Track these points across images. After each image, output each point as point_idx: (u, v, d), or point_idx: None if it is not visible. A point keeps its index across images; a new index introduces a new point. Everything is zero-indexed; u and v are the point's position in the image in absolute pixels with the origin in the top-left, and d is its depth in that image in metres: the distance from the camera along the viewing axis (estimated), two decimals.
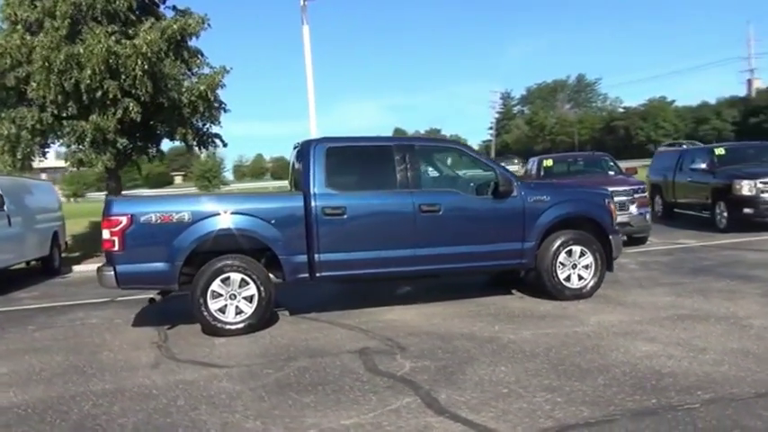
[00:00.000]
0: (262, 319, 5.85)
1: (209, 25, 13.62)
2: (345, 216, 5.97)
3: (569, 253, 6.61)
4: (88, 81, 11.90)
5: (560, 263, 6.59)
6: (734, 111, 60.52)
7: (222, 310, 5.76)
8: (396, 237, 6.15)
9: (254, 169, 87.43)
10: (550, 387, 4.02)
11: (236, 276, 5.76)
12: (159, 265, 5.66)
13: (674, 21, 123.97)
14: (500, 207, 6.40)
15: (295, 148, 7.32)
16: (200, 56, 14.22)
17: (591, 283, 6.67)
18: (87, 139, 12.67)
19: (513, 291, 7.22)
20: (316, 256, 5.95)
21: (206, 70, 14.03)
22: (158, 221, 5.63)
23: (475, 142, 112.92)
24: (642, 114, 70.14)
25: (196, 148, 15.59)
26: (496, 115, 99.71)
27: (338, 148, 6.26)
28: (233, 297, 5.78)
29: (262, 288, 5.80)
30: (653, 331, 5.23)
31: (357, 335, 5.62)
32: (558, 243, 6.55)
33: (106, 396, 4.26)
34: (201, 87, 13.24)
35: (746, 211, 11.49)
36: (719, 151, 13.09)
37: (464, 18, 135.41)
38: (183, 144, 15.28)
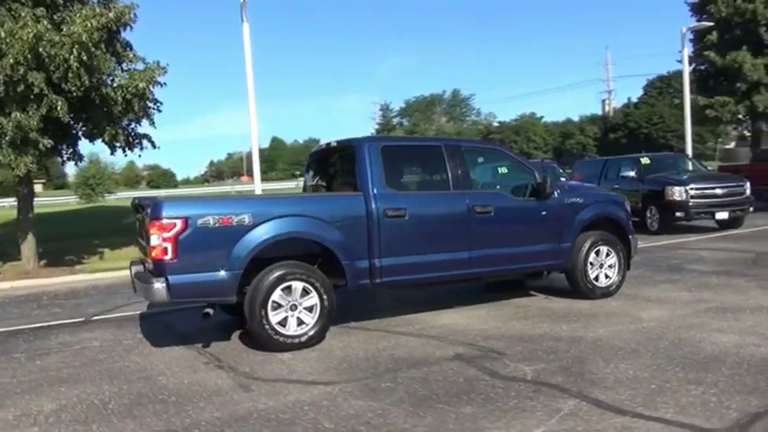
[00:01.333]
0: (323, 331, 5.40)
1: (135, 15, 12.48)
2: (406, 217, 5.70)
3: (597, 253, 6.83)
4: (9, 72, 10.39)
5: (590, 263, 6.78)
6: (595, 127, 66.68)
7: (282, 322, 5.23)
8: (453, 239, 5.98)
9: (128, 178, 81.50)
10: (690, 380, 4.09)
11: (297, 285, 5.26)
12: (218, 275, 5.01)
13: (541, 44, 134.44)
14: (542, 208, 6.46)
15: (315, 152, 6.93)
16: (131, 49, 12.99)
17: (617, 282, 6.93)
18: (6, 139, 11.02)
19: (531, 291, 7.34)
20: (376, 260, 5.60)
21: (139, 66, 12.86)
22: (216, 225, 5.00)
23: None
24: (515, 129, 75.05)
25: (120, 151, 14.18)
26: (376, 126, 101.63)
27: (392, 147, 5.97)
28: (293, 308, 5.27)
29: (324, 297, 5.35)
30: (713, 324, 5.50)
31: (430, 342, 5.36)
32: (588, 243, 6.73)
33: (230, 425, 3.67)
34: (141, 84, 12.07)
35: (678, 214, 12.65)
36: (645, 161, 14.28)
37: (337, 30, 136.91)
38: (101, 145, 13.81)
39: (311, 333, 5.30)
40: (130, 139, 13.66)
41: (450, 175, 6.06)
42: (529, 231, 6.41)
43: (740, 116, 22.36)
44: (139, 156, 14.72)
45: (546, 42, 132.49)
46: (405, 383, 4.28)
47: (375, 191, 5.62)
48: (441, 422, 3.59)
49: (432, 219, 5.89)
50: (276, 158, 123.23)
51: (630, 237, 7.10)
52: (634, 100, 64.98)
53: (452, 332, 5.65)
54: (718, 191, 12.61)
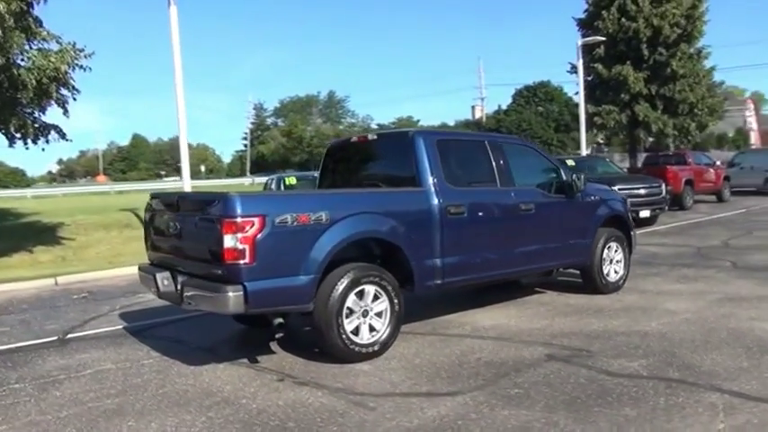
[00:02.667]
0: (393, 338, 4.99)
1: None
2: (465, 214, 5.46)
3: (608, 249, 7.05)
4: None
5: (604, 259, 6.99)
6: (470, 131, 70.04)
7: (355, 330, 4.76)
8: (504, 236, 5.85)
9: None
10: None
11: (369, 289, 4.82)
12: (297, 280, 4.42)
13: (416, 49, 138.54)
14: (571, 205, 6.54)
15: (341, 146, 6.48)
16: (41, 26, 11.31)
17: (624, 277, 7.21)
18: None
19: (536, 289, 7.43)
20: (438, 260, 5.30)
21: (53, 46, 11.24)
22: (294, 224, 4.41)
23: (226, 152, 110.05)
24: None
25: (20, 142, 12.31)
26: (250, 126, 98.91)
27: (444, 141, 5.68)
28: (365, 314, 4.82)
29: (395, 301, 4.95)
30: (742, 313, 5.85)
31: (502, 344, 5.16)
32: (603, 240, 6.93)
33: None
34: (62, 66, 10.55)
35: None
36: (571, 163, 15.14)
37: (201, 27, 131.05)
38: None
39: (382, 340, 4.89)
40: (38, 130, 12.00)
41: (496, 171, 5.91)
42: (562, 228, 6.45)
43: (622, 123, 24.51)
44: (43, 150, 12.65)
45: (420, 48, 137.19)
46: (532, 389, 4.06)
47: (437, 186, 5.31)
48: (617, 426, 3.42)
49: (487, 216, 5.70)
50: (138, 157, 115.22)
51: (633, 233, 7.42)
52: (504, 107, 69.03)
53: (510, 332, 5.51)
54: (642, 191, 13.69)
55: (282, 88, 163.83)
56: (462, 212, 5.42)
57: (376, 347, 4.82)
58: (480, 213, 5.61)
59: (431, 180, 5.31)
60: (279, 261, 4.33)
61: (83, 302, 8.16)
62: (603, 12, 24.01)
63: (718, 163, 21.06)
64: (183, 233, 4.72)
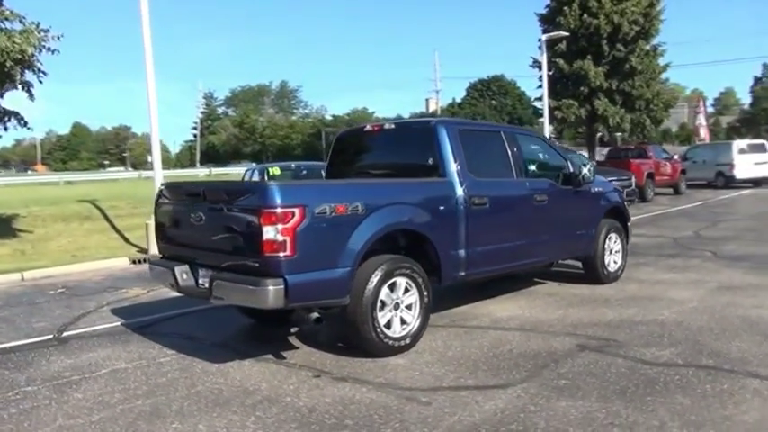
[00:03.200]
0: (422, 331, 4.92)
1: None
2: (487, 205, 5.42)
3: (609, 239, 7.17)
4: None
5: (605, 249, 7.11)
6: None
7: (387, 324, 4.66)
8: (522, 227, 5.86)
9: None
10: None
11: (401, 281, 4.72)
12: (335, 272, 4.28)
13: (373, 41, 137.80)
14: (579, 196, 6.60)
15: (353, 135, 6.33)
16: (3, 6, 10.61)
17: (622, 267, 7.36)
18: None
19: (535, 279, 7.50)
20: (462, 251, 5.25)
21: (16, 26, 10.55)
22: (332, 214, 4.26)
23: (175, 142, 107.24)
24: (348, 123, 76.18)
25: None
26: (200, 115, 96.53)
27: (465, 131, 5.61)
28: (396, 306, 4.72)
29: (425, 293, 4.87)
30: (743, 301, 6.05)
31: (529, 335, 5.16)
32: (605, 231, 7.04)
33: None
34: (29, 48, 9.92)
35: None
36: None
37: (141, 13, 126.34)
38: None
39: (413, 333, 4.80)
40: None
41: (512, 161, 5.90)
42: (571, 219, 6.51)
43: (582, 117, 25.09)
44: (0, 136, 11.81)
45: (374, 40, 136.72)
46: (578, 379, 4.06)
47: (461, 177, 5.25)
48: (677, 414, 3.46)
49: (507, 206, 5.70)
50: (79, 146, 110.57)
51: (629, 224, 7.57)
52: (458, 100, 69.70)
53: (530, 323, 5.53)
54: (615, 183, 14.01)
55: (233, 78, 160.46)
56: (485, 203, 5.38)
57: (408, 340, 4.74)
58: (501, 204, 5.59)
59: (455, 170, 5.25)
60: (318, 253, 4.19)
61: (63, 298, 7.73)
62: (565, 8, 24.47)
63: (675, 157, 21.86)
64: (209, 224, 4.48)
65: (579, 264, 7.25)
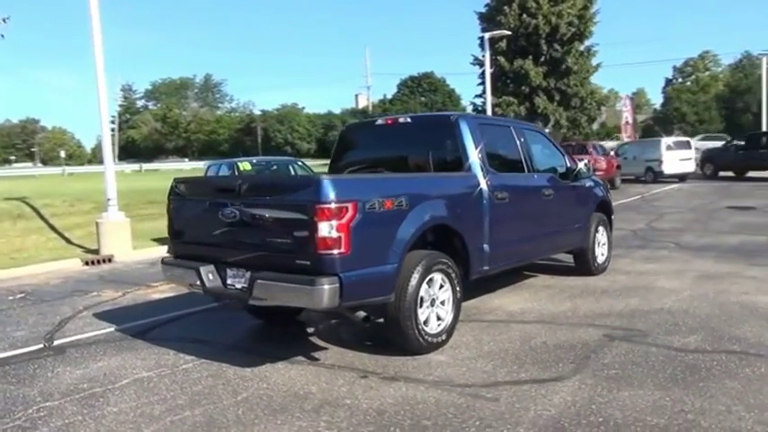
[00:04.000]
0: (455, 327, 4.88)
1: None
2: (507, 200, 5.45)
3: (598, 232, 7.41)
4: None
5: (595, 241, 7.34)
6: (356, 120, 70.36)
7: (425, 320, 4.59)
8: (533, 221, 5.93)
9: None
10: None
11: (437, 277, 4.66)
12: (384, 269, 4.16)
13: (302, 36, 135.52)
14: (577, 191, 6.77)
15: (364, 128, 6.19)
16: None
17: (608, 258, 7.63)
18: None
19: (525, 272, 7.65)
20: (486, 245, 5.26)
21: None
22: (380, 209, 4.13)
23: (89, 137, 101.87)
24: (278, 118, 74.98)
25: None
26: (118, 108, 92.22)
27: (483, 125, 5.61)
28: (432, 303, 4.66)
29: (458, 288, 4.84)
30: (732, 288, 6.42)
31: (545, 327, 5.24)
32: (595, 224, 7.27)
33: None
34: None
35: None
36: None
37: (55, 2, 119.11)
38: None
39: (448, 329, 4.76)
40: None
41: (522, 156, 5.96)
42: (570, 213, 6.67)
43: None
44: None
45: (304, 35, 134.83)
46: (625, 369, 4.15)
47: (485, 171, 5.25)
48: (737, 399, 3.60)
49: (523, 201, 5.75)
50: None
51: (613, 217, 7.86)
52: (389, 96, 70.11)
53: (547, 316, 5.62)
54: None
55: (154, 70, 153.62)
56: (506, 198, 5.41)
57: (443, 337, 4.69)
58: (518, 199, 5.64)
59: (479, 164, 5.23)
60: (368, 250, 4.05)
61: (28, 305, 7.14)
62: (506, 7, 25.10)
63: (611, 153, 22.96)
64: (245, 221, 4.23)
65: (559, 257, 7.42)
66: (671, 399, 3.62)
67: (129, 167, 43.62)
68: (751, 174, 24.19)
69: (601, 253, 7.49)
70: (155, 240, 12.31)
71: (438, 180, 5.01)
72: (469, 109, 33.74)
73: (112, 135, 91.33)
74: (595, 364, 4.27)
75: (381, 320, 4.55)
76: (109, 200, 11.49)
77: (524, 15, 24.65)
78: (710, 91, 57.53)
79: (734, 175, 24.56)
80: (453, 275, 4.77)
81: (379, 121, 6.01)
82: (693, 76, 62.94)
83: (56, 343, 5.37)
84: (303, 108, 78.85)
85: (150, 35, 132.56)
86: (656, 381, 3.91)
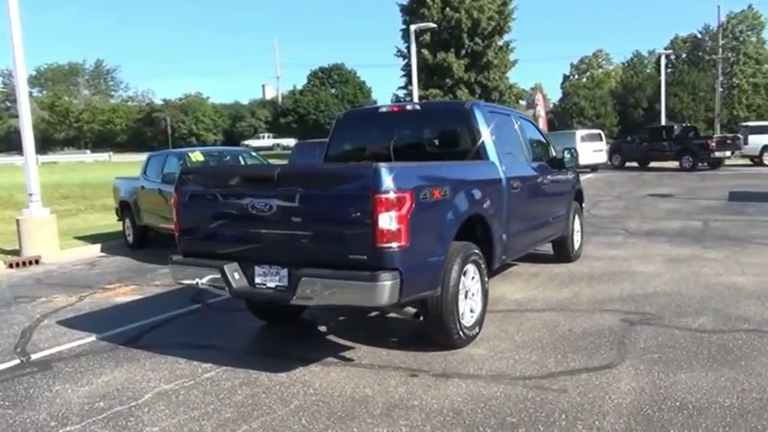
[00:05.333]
0: (484, 318, 4.78)
1: None
2: (519, 189, 5.42)
3: (574, 220, 7.61)
4: None
5: (573, 229, 7.53)
6: (266, 111, 68.63)
7: (462, 314, 4.46)
8: (537, 210, 5.96)
9: None
10: None
11: (470, 268, 4.53)
12: (434, 262, 3.96)
13: (205, 24, 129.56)
14: (564, 180, 6.89)
15: (367, 116, 5.95)
16: None
17: (581, 245, 7.86)
18: None
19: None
20: (505, 235, 5.20)
21: None
22: (430, 199, 3.93)
23: None
24: (182, 108, 71.48)
25: None
26: None
27: (493, 113, 5.52)
28: (466, 295, 4.54)
29: (486, 280, 4.75)
30: (708, 271, 6.78)
31: (561, 314, 5.27)
32: (573, 211, 7.46)
33: (648, 420, 3.13)
34: None
35: None
36: None
37: None
38: None
39: (479, 321, 4.66)
40: None
41: (523, 145, 5.96)
42: (558, 201, 6.77)
43: None
44: None
45: (207, 23, 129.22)
46: (663, 352, 4.24)
47: (501, 159, 5.18)
48: None
49: (530, 189, 5.75)
50: None
51: (583, 205, 8.10)
52: (299, 88, 68.90)
53: (554, 304, 5.66)
54: None
55: (37, 55, 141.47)
56: (518, 187, 5.38)
57: (476, 330, 4.59)
58: (527, 187, 5.63)
59: (495, 152, 5.15)
60: (423, 242, 3.85)
61: None
62: (428, 0, 25.32)
63: None
64: (284, 214, 3.87)
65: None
66: (727, 379, 3.72)
67: (21, 160, 39.75)
68: (653, 164, 26.11)
69: (577, 240, 7.69)
70: (79, 239, 11.32)
71: (470, 168, 4.87)
72: (390, 101, 33.84)
73: None
74: (634, 349, 4.33)
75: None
76: (31, 195, 10.38)
77: (447, 9, 25.04)
78: (604, 87, 61.46)
79: (638, 165, 26.38)
80: (483, 266, 4.67)
81: (384, 109, 5.77)
82: (589, 73, 67.00)
83: (34, 357, 4.71)
84: (208, 98, 75.65)
85: (32, 17, 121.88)
86: (700, 362, 4.02)
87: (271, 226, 3.96)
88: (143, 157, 11.75)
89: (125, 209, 10.57)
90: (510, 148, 5.67)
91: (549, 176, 6.42)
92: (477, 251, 4.57)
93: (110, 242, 10.72)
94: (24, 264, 9.44)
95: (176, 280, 4.49)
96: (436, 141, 5.47)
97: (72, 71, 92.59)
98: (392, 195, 3.58)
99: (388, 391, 3.73)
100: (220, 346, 4.78)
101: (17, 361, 4.64)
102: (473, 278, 4.59)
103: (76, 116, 77.66)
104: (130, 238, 10.42)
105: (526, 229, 5.73)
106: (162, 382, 4.02)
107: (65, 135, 79.37)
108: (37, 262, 9.58)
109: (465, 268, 4.42)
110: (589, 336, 4.65)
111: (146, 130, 71.98)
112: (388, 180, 3.58)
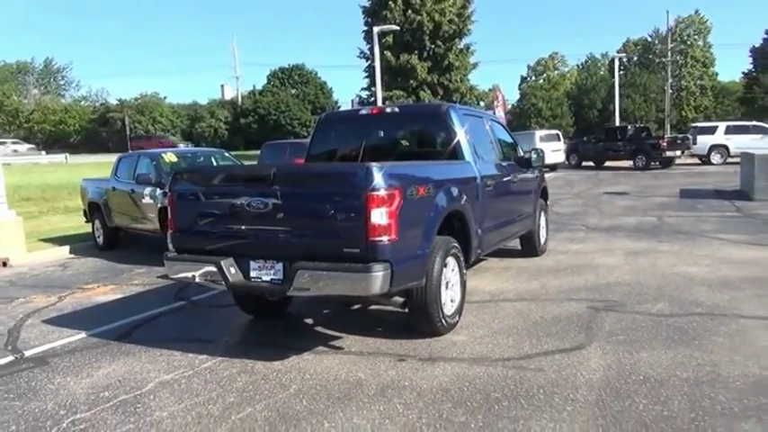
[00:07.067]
0: (462, 307, 5.11)
1: None
2: (491, 187, 5.78)
3: (540, 217, 8.04)
4: None
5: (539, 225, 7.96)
6: (225, 111, 67.86)
7: (443, 303, 4.78)
8: (505, 207, 6.32)
9: None
10: None
11: (450, 260, 4.86)
12: (420, 254, 4.27)
13: (161, 23, 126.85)
14: (532, 178, 7.30)
15: (348, 118, 6.21)
16: None
17: (546, 240, 8.30)
18: None
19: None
20: (479, 230, 5.54)
21: None
22: (416, 196, 4.24)
23: None
24: (138, 108, 70.06)
25: None
26: None
27: (467, 115, 5.86)
28: (447, 286, 4.86)
29: (464, 272, 5.08)
30: (659, 263, 7.30)
31: (532, 304, 5.64)
32: (539, 208, 7.89)
33: (610, 399, 3.51)
34: None
35: None
36: None
37: None
38: None
39: (459, 310, 4.99)
40: None
41: (494, 145, 6.33)
42: (527, 199, 7.18)
43: None
44: None
45: (163, 21, 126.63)
46: (627, 335, 4.63)
47: (475, 159, 5.53)
48: (730, 350, 4.20)
49: (501, 187, 6.10)
50: None
51: (548, 202, 8.54)
52: (259, 88, 68.42)
53: (526, 294, 6.04)
54: None
55: None
56: (491, 185, 5.73)
57: (457, 318, 4.91)
58: (498, 185, 5.99)
59: (470, 152, 5.50)
60: (409, 236, 4.15)
61: None
62: (390, 2, 25.69)
63: None
64: (279, 211, 4.11)
65: None
66: (684, 356, 4.14)
67: None
68: (608, 163, 27.11)
69: (542, 235, 8.12)
70: (44, 241, 11.21)
71: (449, 168, 5.19)
72: (350, 103, 34.06)
73: None
74: (600, 332, 4.72)
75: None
76: None
77: (409, 11, 25.46)
78: (560, 88, 63.12)
79: (594, 164, 27.35)
80: (462, 259, 5.00)
81: (364, 111, 6.05)
82: (545, 75, 68.65)
83: (27, 354, 4.82)
84: (165, 98, 74.39)
85: None
86: (660, 342, 4.44)
87: (267, 223, 4.19)
88: (99, 158, 11.72)
89: (94, 210, 10.54)
90: (483, 148, 6.02)
91: (518, 175, 6.81)
92: (456, 245, 4.90)
93: (78, 244, 10.66)
94: None
95: (171, 276, 4.66)
96: (414, 142, 5.78)
97: (20, 69, 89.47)
98: (383, 192, 3.86)
99: (380, 374, 4.01)
100: (212, 339, 4.98)
101: (11, 357, 4.74)
102: (453, 270, 4.91)
103: (26, 116, 75.20)
104: (100, 240, 10.39)
105: (498, 224, 6.09)
106: (162, 373, 4.21)
107: (14, 135, 76.73)
108: (5, 264, 9.48)
109: (446, 261, 4.74)
110: (559, 322, 5.03)
111: (100, 130, 70.25)
112: (379, 178, 3.86)
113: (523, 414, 3.33)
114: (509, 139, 7.19)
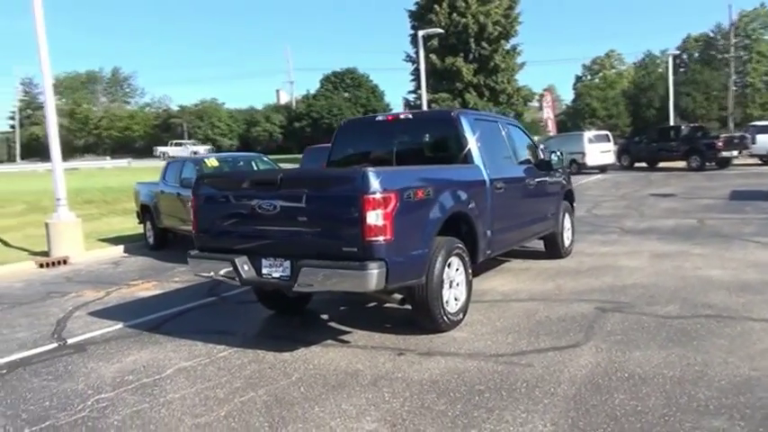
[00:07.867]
0: (468, 306, 5.31)
1: None
2: (503, 190, 5.94)
3: (565, 219, 8.10)
4: None
5: (563, 227, 8.02)
6: (280, 116, 69.55)
7: (446, 301, 4.99)
8: (521, 209, 6.46)
9: None
10: None
11: (454, 260, 5.07)
12: (419, 254, 4.51)
13: (221, 30, 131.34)
14: (552, 181, 7.39)
15: (364, 124, 6.48)
16: None
17: (573, 242, 8.34)
18: None
19: (498, 258, 8.22)
20: (489, 232, 5.72)
21: None
22: (415, 199, 4.49)
23: None
24: (198, 113, 72.76)
25: None
26: (18, 104, 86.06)
27: (478, 120, 6.06)
28: (450, 285, 5.07)
29: (469, 271, 5.28)
30: (686, 265, 7.23)
31: (542, 304, 5.76)
32: (563, 210, 7.95)
33: (598, 391, 3.65)
34: None
35: None
36: None
37: None
38: None
39: (463, 308, 5.19)
40: None
41: (510, 149, 6.48)
42: (547, 201, 7.27)
43: None
44: None
45: (223, 29, 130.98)
46: (626, 335, 4.72)
47: (484, 162, 5.71)
48: (727, 352, 4.23)
49: (514, 190, 6.25)
50: None
51: (575, 204, 8.57)
52: (312, 92, 69.74)
53: (539, 295, 6.16)
54: None
55: (56, 64, 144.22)
56: (502, 187, 5.90)
57: (461, 315, 5.12)
58: (511, 188, 6.15)
59: (480, 157, 5.68)
60: (407, 236, 4.39)
61: (4, 308, 6.97)
62: (436, 6, 25.85)
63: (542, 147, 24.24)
64: (286, 213, 4.45)
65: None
66: (676, 356, 4.21)
67: (43, 167, 40.90)
68: (662, 164, 26.33)
69: (567, 237, 8.17)
70: (103, 241, 12.00)
71: (453, 171, 5.41)
72: (401, 105, 34.37)
73: (11, 132, 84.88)
74: (600, 332, 4.83)
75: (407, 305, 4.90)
76: (59, 200, 11.09)
77: (454, 14, 25.56)
78: (617, 87, 61.50)
79: (647, 165, 26.63)
80: (466, 259, 5.20)
81: (379, 118, 6.34)
82: (601, 74, 67.03)
83: (69, 341, 5.34)
84: (223, 103, 76.95)
85: (49, 26, 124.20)
86: (657, 342, 4.51)
87: (275, 223, 4.54)
88: (162, 163, 12.44)
89: (146, 212, 11.24)
90: (495, 152, 6.19)
91: (535, 178, 6.93)
92: (460, 245, 5.10)
93: (132, 244, 11.38)
94: (54, 264, 10.14)
95: (194, 272, 5.08)
96: (426, 147, 6.01)
97: (90, 79, 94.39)
98: (378, 196, 4.13)
99: (377, 366, 4.28)
100: (233, 332, 5.37)
101: (55, 344, 5.27)
102: (457, 270, 5.12)
103: (95, 123, 79.32)
104: (151, 240, 11.07)
105: (511, 226, 6.24)
106: (182, 360, 4.62)
107: (84, 142, 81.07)
108: (65, 262, 10.27)
109: (449, 260, 4.96)
110: (563, 322, 5.16)
111: (163, 135, 73.26)
112: (374, 183, 4.14)
113: (500, 405, 3.53)
114: (529, 143, 7.31)
